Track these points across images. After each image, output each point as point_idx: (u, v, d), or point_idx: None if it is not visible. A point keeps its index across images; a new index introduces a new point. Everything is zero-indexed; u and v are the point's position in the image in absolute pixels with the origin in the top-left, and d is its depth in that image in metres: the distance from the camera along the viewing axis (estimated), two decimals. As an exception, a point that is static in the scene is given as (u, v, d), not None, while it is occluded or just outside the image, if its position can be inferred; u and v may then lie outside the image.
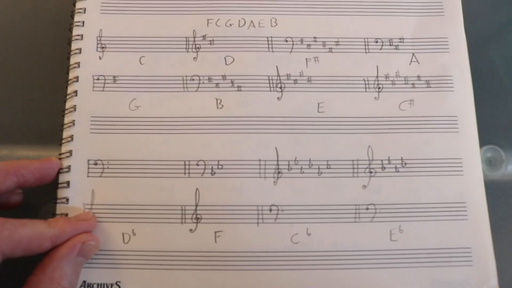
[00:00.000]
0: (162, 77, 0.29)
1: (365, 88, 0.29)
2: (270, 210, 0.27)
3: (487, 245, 0.26)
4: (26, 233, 0.23)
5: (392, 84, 0.29)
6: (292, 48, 0.30)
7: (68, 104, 0.28)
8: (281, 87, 0.29)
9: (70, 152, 0.28)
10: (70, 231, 0.25)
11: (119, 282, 0.26)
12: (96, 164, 0.27)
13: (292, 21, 0.30)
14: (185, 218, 0.27)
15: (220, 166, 0.28)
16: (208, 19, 0.30)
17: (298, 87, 0.29)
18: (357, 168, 0.28)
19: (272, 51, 0.30)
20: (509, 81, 0.31)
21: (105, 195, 0.27)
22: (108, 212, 0.27)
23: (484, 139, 0.29)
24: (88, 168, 0.27)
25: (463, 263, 0.26)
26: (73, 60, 0.29)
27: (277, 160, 0.28)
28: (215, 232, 0.27)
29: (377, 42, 0.30)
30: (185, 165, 0.27)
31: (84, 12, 0.30)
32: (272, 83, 0.29)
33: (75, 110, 0.28)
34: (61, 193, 0.27)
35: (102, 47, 0.30)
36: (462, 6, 0.31)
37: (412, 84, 0.29)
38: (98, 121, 0.28)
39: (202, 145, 0.28)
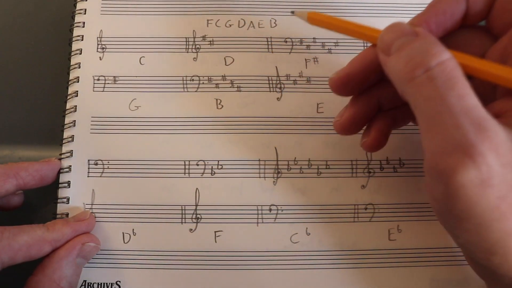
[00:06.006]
0: (162, 77, 0.29)
1: (364, 88, 0.29)
2: (270, 210, 0.27)
3: None
4: (25, 240, 0.23)
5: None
6: (292, 48, 0.30)
7: (68, 105, 0.29)
8: (280, 88, 0.29)
9: (71, 152, 0.28)
10: (69, 233, 0.25)
11: (119, 281, 0.26)
12: (96, 164, 0.28)
13: (292, 22, 0.31)
14: (185, 218, 0.27)
15: (220, 166, 0.28)
16: (208, 20, 0.30)
17: (298, 87, 0.29)
18: (356, 168, 0.28)
19: (272, 52, 0.30)
20: (507, 82, 0.31)
21: (105, 195, 0.27)
22: (108, 212, 0.27)
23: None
24: (89, 168, 0.27)
25: (462, 262, 0.26)
26: (73, 60, 0.30)
27: (277, 160, 0.28)
28: (215, 232, 0.27)
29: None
30: (185, 165, 0.28)
31: (85, 13, 0.30)
32: (272, 83, 0.29)
33: (75, 110, 0.28)
34: (62, 193, 0.27)
35: (103, 48, 0.30)
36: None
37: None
38: (99, 121, 0.28)
39: (202, 145, 0.28)
